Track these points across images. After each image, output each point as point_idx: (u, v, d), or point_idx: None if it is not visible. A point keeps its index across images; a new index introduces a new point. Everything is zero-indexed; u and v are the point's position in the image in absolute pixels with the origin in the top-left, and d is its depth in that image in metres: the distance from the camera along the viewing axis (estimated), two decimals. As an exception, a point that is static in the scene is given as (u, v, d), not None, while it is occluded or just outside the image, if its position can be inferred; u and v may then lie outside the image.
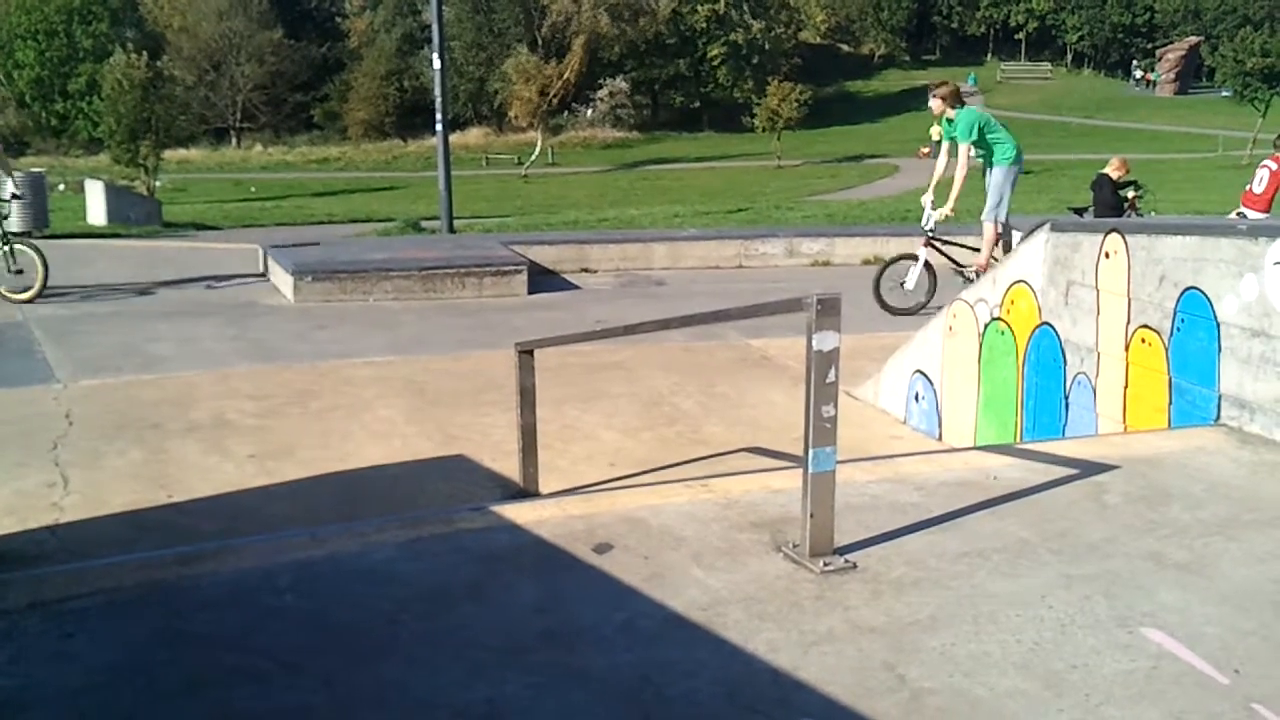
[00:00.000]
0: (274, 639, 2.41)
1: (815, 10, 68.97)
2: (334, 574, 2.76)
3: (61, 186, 24.81)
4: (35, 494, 4.93)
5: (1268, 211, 11.41)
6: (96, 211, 18.95)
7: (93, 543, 4.40)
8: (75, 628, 2.44)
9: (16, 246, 9.66)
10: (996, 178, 8.84)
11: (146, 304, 9.34)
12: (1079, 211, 13.94)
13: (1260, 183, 11.60)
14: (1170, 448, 3.88)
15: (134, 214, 19.59)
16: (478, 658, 2.32)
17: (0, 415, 6.11)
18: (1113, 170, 12.64)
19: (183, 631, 2.45)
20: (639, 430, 6.17)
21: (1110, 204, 12.44)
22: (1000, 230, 8.90)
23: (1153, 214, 13.30)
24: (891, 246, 13.10)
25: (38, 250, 9.70)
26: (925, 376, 6.32)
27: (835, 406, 2.76)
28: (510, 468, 5.22)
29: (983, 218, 8.94)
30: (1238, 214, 11.30)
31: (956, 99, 9.08)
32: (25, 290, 9.52)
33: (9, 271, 9.58)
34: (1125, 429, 4.62)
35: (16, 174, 15.24)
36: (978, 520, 3.13)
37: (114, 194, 19.85)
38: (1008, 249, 8.48)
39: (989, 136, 8.88)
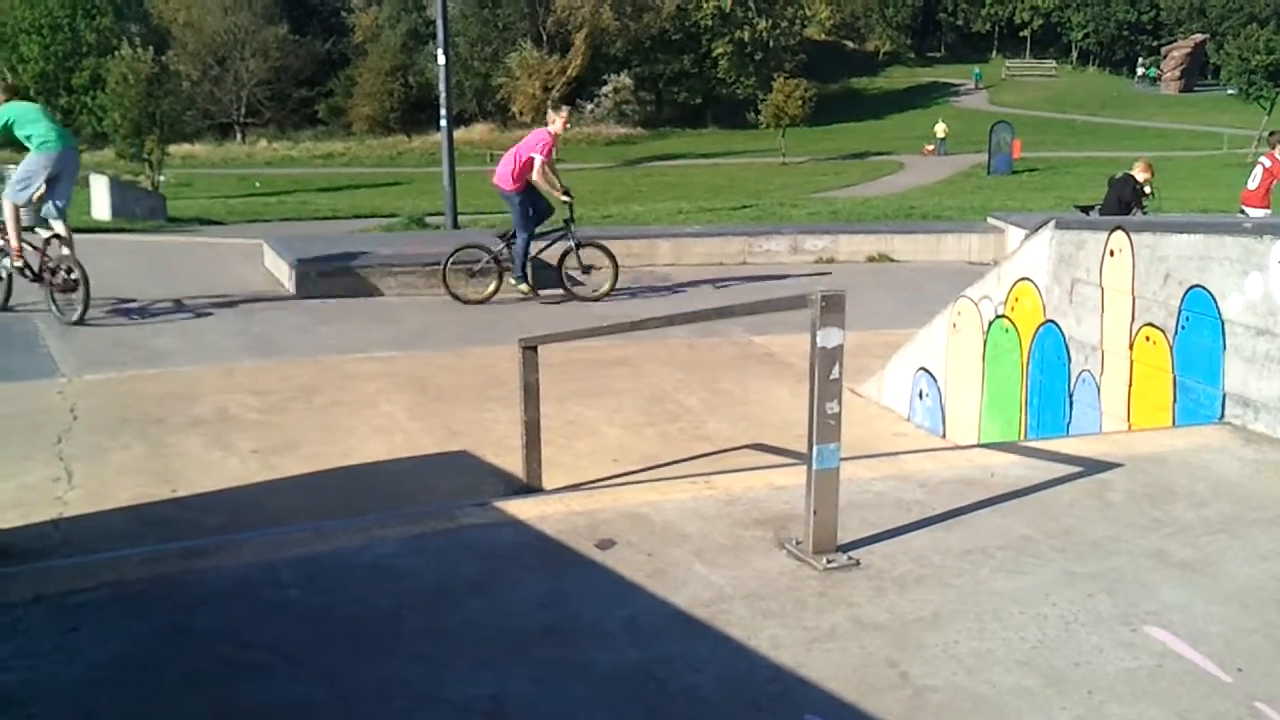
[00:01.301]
0: (278, 634, 2.42)
1: (820, 7, 68.89)
2: (338, 569, 2.77)
3: (66, 181, 24.80)
4: (39, 488, 4.94)
5: (1267, 207, 11.43)
6: (101, 206, 18.99)
7: (96, 537, 4.40)
8: (79, 622, 2.45)
9: (584, 250, 9.73)
10: (27, 162, 8.59)
11: (150, 299, 9.33)
12: (1085, 210, 13.91)
13: (1254, 179, 11.66)
14: (1174, 446, 3.87)
15: (139, 209, 19.64)
16: (482, 653, 2.33)
17: (4, 409, 6.12)
18: (1139, 172, 12.54)
19: (186, 626, 2.45)
20: (642, 426, 6.18)
21: (1124, 200, 12.39)
22: (20, 211, 8.61)
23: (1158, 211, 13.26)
24: (896, 243, 13.13)
25: (605, 250, 9.77)
26: (929, 374, 6.32)
27: (839, 403, 2.76)
28: (513, 463, 5.22)
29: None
30: (1240, 213, 11.31)
31: (12, 94, 8.94)
32: (594, 290, 9.65)
33: (581, 273, 9.71)
34: (1129, 427, 4.61)
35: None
36: (981, 518, 3.13)
37: (119, 189, 19.90)
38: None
39: (20, 132, 8.52)
